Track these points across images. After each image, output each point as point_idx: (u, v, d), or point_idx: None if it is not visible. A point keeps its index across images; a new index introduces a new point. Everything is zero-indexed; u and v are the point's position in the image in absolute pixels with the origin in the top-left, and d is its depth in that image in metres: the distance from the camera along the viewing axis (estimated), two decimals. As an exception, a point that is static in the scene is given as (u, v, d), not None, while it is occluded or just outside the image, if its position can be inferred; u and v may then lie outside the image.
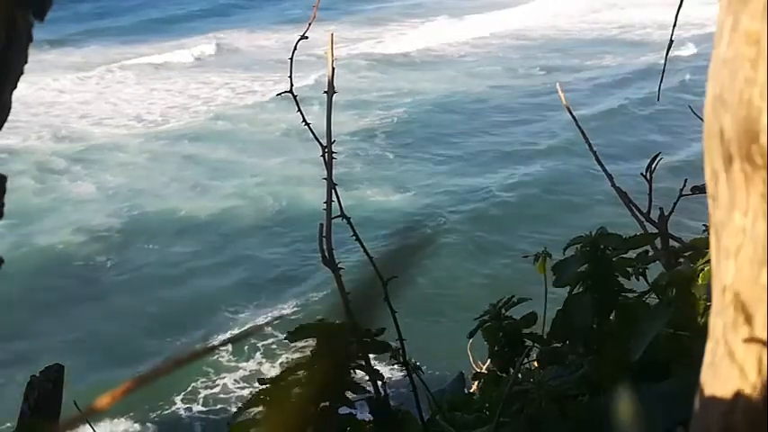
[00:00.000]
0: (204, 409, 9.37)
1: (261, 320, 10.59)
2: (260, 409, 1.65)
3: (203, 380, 9.66)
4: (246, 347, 9.95)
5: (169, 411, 9.21)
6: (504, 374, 2.04)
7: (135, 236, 13.57)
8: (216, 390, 9.58)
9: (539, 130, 17.18)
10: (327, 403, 1.58)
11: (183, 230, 13.73)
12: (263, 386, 1.64)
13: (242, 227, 13.82)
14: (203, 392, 9.53)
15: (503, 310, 2.04)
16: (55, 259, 12.84)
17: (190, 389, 9.48)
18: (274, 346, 9.82)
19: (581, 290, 1.85)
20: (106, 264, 12.82)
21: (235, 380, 9.64)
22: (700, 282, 1.61)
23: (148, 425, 9.04)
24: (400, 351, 1.87)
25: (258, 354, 9.97)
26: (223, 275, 12.20)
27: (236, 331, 10.16)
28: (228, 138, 17.69)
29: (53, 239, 13.39)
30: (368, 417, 1.81)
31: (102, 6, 31.85)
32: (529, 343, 2.02)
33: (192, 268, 12.50)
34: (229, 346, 9.69)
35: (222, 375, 9.78)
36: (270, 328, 10.17)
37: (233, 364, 9.92)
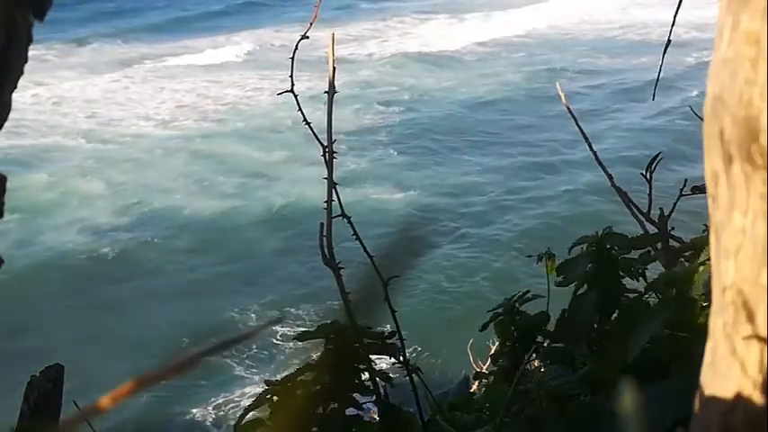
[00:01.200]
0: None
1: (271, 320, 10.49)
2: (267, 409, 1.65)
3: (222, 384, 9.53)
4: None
5: (181, 420, 9.11)
6: (514, 369, 2.03)
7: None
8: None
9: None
10: (335, 404, 1.59)
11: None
12: (270, 387, 1.65)
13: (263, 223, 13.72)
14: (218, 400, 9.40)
15: (516, 305, 2.03)
16: (61, 254, 12.83)
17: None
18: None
19: (585, 289, 1.84)
20: (108, 257, 12.81)
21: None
22: (695, 281, 1.61)
23: (158, 424, 8.98)
24: (400, 351, 1.87)
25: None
26: (231, 274, 12.14)
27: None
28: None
29: (61, 236, 13.40)
30: (370, 416, 1.81)
31: (120, 5, 31.84)
32: (540, 339, 2.01)
33: (198, 266, 12.46)
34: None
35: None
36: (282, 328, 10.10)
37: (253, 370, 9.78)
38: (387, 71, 22.17)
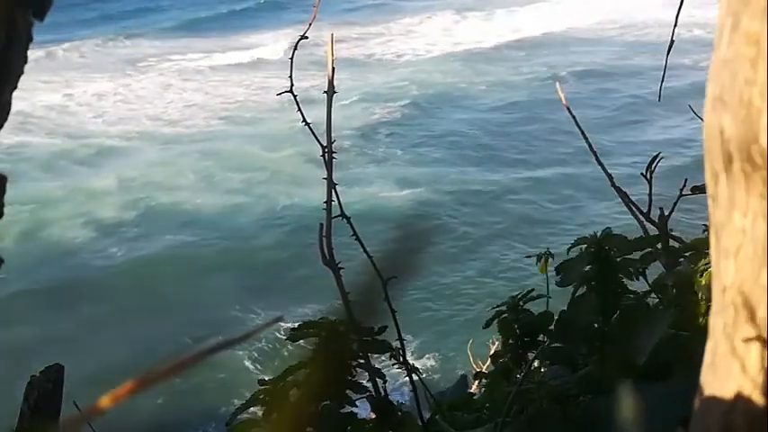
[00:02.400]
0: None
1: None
2: (259, 408, 1.65)
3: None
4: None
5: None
6: (516, 367, 2.03)
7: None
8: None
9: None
10: (328, 402, 1.59)
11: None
12: (263, 386, 1.65)
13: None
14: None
15: (521, 303, 2.03)
16: (71, 251, 12.80)
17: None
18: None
19: (584, 290, 1.85)
20: (117, 254, 12.76)
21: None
22: (702, 282, 1.61)
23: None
24: (400, 351, 1.88)
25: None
26: (240, 271, 12.04)
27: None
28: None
29: (69, 232, 13.37)
30: (369, 415, 1.81)
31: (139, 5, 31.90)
32: (543, 338, 2.01)
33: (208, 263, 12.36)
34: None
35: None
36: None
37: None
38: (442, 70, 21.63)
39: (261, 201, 14.29)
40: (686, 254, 1.91)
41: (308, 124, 2.00)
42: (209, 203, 14.29)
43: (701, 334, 0.69)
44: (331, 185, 1.93)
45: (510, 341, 2.04)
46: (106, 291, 11.67)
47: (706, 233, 1.66)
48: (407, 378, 1.90)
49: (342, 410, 1.65)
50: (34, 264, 11.79)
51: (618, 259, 1.86)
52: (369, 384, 1.79)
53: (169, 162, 16.12)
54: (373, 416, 1.82)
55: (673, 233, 2.03)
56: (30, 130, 17.93)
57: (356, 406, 1.67)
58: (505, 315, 2.03)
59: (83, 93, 21.11)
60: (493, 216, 13.19)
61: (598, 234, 1.86)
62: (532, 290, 2.07)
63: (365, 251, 1.84)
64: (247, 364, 9.59)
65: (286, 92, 2.09)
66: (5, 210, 0.60)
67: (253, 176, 15.27)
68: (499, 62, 22.35)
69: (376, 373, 1.77)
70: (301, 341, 1.71)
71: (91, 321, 10.77)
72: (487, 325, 2.07)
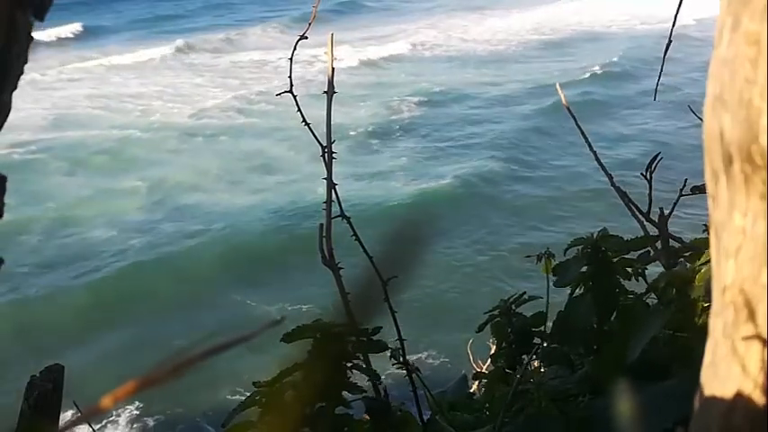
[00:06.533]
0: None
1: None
2: (255, 410, 1.65)
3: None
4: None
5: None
6: (510, 371, 2.04)
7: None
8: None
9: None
10: (324, 404, 1.58)
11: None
12: (259, 388, 1.64)
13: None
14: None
15: (513, 307, 2.03)
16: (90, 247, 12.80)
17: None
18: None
19: (581, 291, 1.85)
20: (134, 248, 12.74)
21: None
22: (697, 282, 1.61)
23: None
24: (400, 351, 1.87)
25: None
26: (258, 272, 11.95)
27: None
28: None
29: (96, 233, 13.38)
30: (364, 416, 1.81)
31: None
32: (537, 341, 2.02)
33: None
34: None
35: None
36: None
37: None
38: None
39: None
40: (686, 254, 1.91)
41: (307, 124, 2.00)
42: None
43: (700, 334, 0.69)
44: (331, 185, 1.92)
45: (503, 344, 2.04)
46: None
47: (706, 233, 1.66)
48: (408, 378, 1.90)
49: (337, 411, 1.65)
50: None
51: (615, 260, 1.86)
52: (367, 384, 1.79)
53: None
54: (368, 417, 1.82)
55: (672, 233, 2.03)
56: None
57: (351, 407, 1.67)
58: (498, 319, 2.04)
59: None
60: None
61: (594, 235, 1.86)
62: (524, 293, 2.08)
63: (365, 251, 1.84)
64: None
65: (286, 92, 2.08)
66: (5, 208, 0.60)
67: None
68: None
69: (371, 374, 1.76)
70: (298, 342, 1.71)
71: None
72: (480, 329, 2.07)
